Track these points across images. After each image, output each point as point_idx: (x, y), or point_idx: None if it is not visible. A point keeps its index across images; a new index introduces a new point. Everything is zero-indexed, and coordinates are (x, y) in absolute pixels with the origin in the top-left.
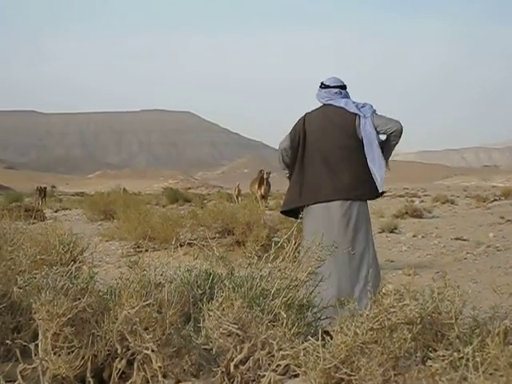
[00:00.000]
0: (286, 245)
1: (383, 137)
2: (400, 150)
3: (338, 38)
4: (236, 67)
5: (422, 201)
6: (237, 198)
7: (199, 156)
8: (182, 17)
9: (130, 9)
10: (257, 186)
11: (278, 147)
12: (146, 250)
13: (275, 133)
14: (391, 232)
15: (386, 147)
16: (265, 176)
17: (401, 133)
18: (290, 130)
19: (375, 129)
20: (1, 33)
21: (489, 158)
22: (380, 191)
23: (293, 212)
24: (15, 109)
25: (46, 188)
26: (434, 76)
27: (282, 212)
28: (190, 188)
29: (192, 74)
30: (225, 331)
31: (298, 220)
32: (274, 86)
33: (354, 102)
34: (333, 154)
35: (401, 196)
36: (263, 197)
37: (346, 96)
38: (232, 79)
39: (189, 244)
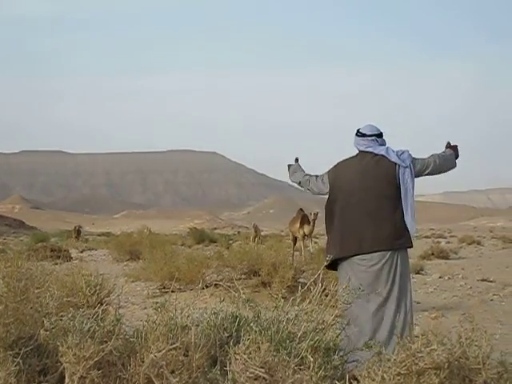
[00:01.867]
0: (312, 287)
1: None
2: (425, 191)
3: (365, 80)
4: (262, 109)
5: (448, 242)
6: (254, 239)
7: (225, 196)
8: (209, 58)
9: (155, 49)
10: (298, 225)
11: (302, 184)
12: (172, 291)
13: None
14: (417, 273)
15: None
16: (312, 217)
17: (441, 166)
18: (323, 176)
19: (414, 177)
20: (26, 72)
21: None
22: (411, 242)
23: (333, 263)
24: (42, 149)
25: (77, 227)
26: (459, 116)
27: (326, 266)
28: (215, 228)
29: (218, 114)
30: (252, 375)
31: (325, 263)
32: (300, 127)
33: (393, 151)
34: (373, 204)
35: (427, 237)
36: (306, 236)
37: (383, 144)
38: (258, 121)
39: (215, 285)
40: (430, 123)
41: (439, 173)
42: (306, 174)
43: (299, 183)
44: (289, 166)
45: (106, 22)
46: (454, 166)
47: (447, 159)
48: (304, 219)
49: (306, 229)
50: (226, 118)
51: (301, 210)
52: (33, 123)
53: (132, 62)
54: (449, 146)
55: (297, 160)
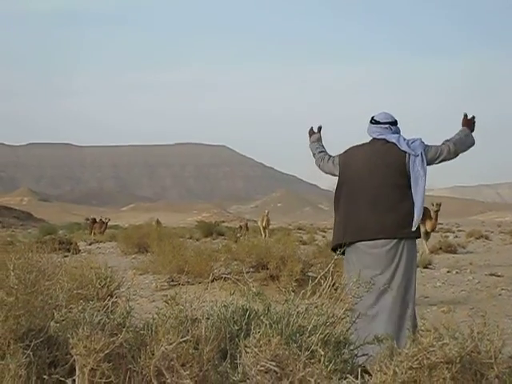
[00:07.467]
0: (322, 281)
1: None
2: (434, 185)
3: (372, 74)
4: (271, 101)
5: (457, 236)
6: (264, 229)
7: (233, 190)
8: (217, 51)
9: (165, 43)
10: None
11: (315, 158)
12: (182, 284)
13: (310, 167)
14: (425, 267)
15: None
16: (434, 208)
17: (456, 150)
18: (334, 158)
19: (426, 165)
20: (34, 66)
21: None
22: (413, 229)
23: (339, 248)
24: (50, 141)
25: (106, 219)
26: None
27: (331, 249)
28: (223, 221)
29: (227, 107)
30: (262, 368)
31: (335, 256)
32: (311, 120)
33: (404, 139)
34: (381, 192)
35: (435, 231)
36: (428, 233)
37: (397, 132)
38: (268, 113)
39: (223, 278)
40: (428, 117)
41: (456, 156)
42: (322, 151)
43: (313, 155)
44: (311, 130)
45: (112, 17)
46: (473, 143)
47: (462, 141)
48: (426, 213)
49: (429, 224)
50: (235, 111)
51: None
52: (40, 116)
53: (140, 56)
54: (465, 118)
55: (320, 129)
